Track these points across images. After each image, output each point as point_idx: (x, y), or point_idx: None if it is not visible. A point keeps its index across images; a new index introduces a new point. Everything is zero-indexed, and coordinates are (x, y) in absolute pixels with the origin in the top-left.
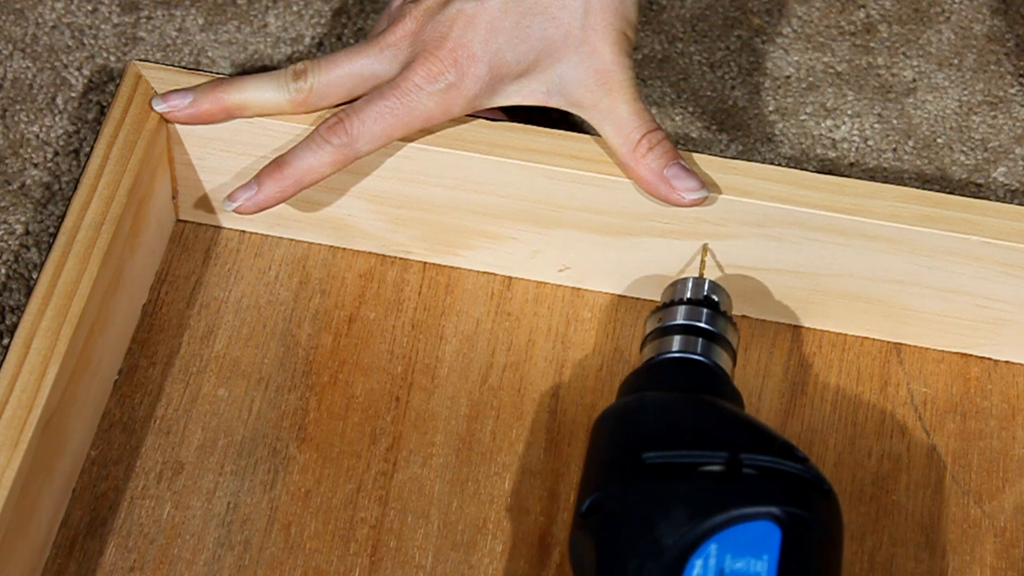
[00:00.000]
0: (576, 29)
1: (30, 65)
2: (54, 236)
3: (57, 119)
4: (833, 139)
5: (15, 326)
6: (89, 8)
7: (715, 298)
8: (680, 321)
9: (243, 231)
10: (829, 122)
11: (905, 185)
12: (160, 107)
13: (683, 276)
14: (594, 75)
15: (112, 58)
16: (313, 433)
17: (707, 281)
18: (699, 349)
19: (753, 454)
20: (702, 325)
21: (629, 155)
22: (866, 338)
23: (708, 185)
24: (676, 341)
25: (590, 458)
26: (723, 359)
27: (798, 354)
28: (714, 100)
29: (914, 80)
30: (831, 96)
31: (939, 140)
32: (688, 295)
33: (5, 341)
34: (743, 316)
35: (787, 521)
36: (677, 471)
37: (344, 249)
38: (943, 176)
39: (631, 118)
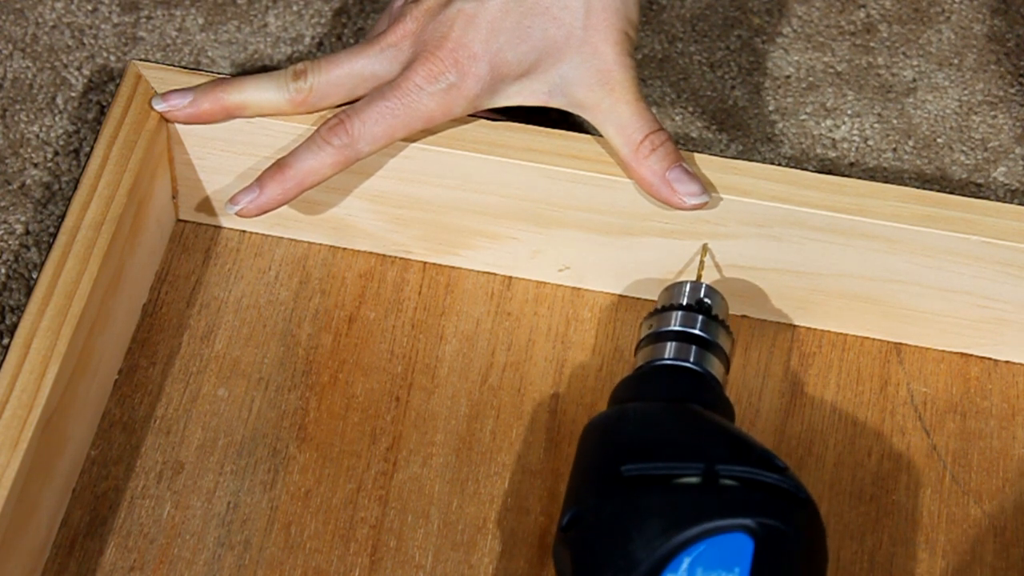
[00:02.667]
0: (578, 29)
1: (30, 65)
2: (54, 236)
3: (57, 119)
4: (833, 139)
5: (15, 326)
6: (89, 8)
7: (710, 304)
8: (674, 327)
9: (243, 231)
10: (829, 122)
11: (905, 185)
12: (160, 106)
13: (679, 280)
14: (596, 75)
15: (112, 58)
16: (313, 433)
17: (703, 286)
18: (692, 357)
19: (730, 465)
20: (696, 332)
21: (631, 156)
22: (866, 338)
23: (709, 189)
24: (668, 348)
25: (574, 470)
26: (715, 367)
27: (798, 354)
28: (714, 100)
29: (914, 80)
30: (831, 96)
31: (939, 140)
32: (683, 300)
33: (5, 341)
34: (743, 316)
35: (761, 533)
36: (653, 483)
37: (344, 249)
38: (943, 176)
39: (633, 118)
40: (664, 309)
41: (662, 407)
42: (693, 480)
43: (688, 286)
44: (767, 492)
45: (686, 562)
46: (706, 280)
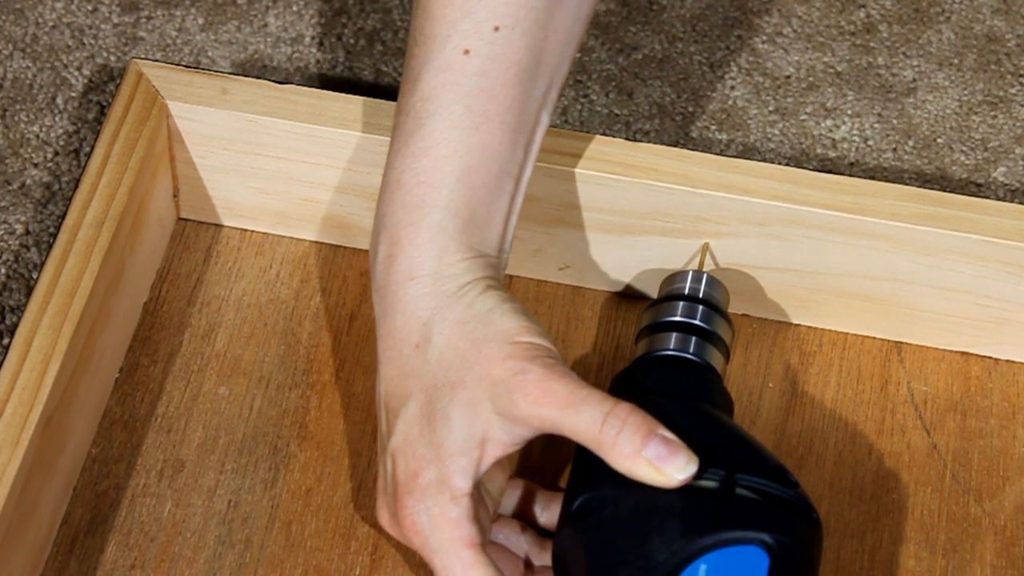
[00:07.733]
0: (480, 396)
1: (30, 65)
2: (54, 235)
3: (57, 119)
4: (833, 139)
5: (15, 326)
6: (89, 8)
7: (713, 294)
8: (676, 318)
9: (244, 230)
10: (829, 122)
11: (905, 185)
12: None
13: (682, 269)
14: (517, 399)
15: (112, 58)
16: (314, 431)
17: (705, 275)
18: (693, 348)
19: (747, 475)
20: (697, 323)
21: (599, 448)
22: (866, 337)
23: (691, 457)
24: (671, 339)
25: (584, 453)
26: (716, 359)
27: (798, 353)
28: (714, 100)
29: (914, 80)
30: (831, 96)
31: (939, 140)
32: (686, 290)
33: (5, 341)
34: (743, 314)
35: (776, 549)
36: None
37: (345, 247)
38: (943, 176)
39: (581, 409)
40: (667, 298)
41: (680, 404)
42: (711, 485)
43: (690, 275)
44: (784, 508)
45: (703, 568)
46: None
